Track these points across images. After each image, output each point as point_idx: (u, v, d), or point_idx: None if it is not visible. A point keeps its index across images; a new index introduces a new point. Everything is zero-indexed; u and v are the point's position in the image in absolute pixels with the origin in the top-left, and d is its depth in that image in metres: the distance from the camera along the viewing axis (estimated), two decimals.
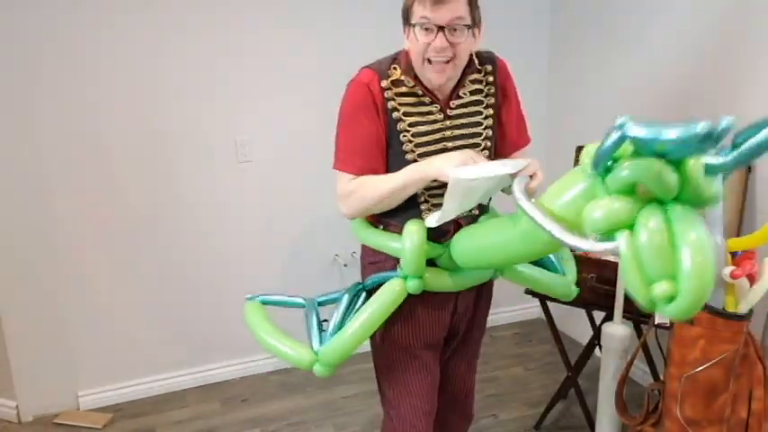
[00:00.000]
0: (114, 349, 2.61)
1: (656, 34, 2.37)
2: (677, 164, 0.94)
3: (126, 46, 2.36)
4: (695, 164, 0.93)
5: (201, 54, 2.46)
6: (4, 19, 2.18)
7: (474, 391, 1.78)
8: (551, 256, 1.65)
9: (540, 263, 1.64)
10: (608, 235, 0.99)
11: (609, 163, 0.99)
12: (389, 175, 1.38)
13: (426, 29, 1.29)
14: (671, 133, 0.84)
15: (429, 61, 1.32)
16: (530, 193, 1.20)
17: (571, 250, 1.68)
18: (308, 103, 2.63)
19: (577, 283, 1.66)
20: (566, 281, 1.62)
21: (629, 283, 0.94)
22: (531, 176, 1.26)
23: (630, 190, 0.98)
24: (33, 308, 2.44)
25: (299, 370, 2.81)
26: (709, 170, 0.95)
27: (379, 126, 1.38)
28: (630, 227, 0.96)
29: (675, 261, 0.90)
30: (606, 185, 1.01)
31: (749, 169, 2.03)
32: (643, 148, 0.94)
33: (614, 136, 0.92)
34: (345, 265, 2.86)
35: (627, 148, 0.97)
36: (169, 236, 2.59)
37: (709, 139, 0.83)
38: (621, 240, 0.95)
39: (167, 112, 2.47)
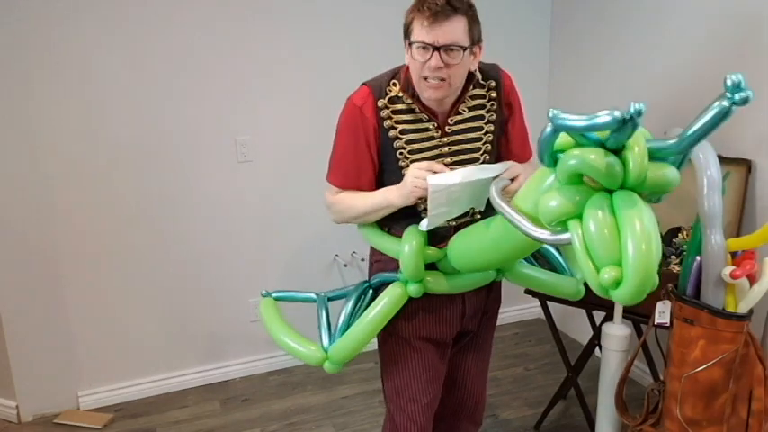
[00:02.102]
0: (114, 349, 2.61)
1: (659, 37, 2.37)
2: (620, 152, 0.97)
3: (126, 46, 2.36)
4: (639, 149, 0.96)
5: (202, 54, 2.46)
6: (4, 18, 2.18)
7: (485, 398, 1.78)
8: (558, 256, 1.65)
9: (548, 263, 1.64)
10: (562, 225, 1.03)
11: (558, 156, 1.04)
12: (366, 196, 1.45)
13: (423, 48, 1.29)
14: (597, 119, 0.89)
15: (426, 79, 1.33)
16: (509, 194, 1.23)
17: None
18: (307, 103, 2.63)
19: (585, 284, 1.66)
20: (572, 281, 1.63)
21: (582, 269, 0.98)
22: (512, 180, 1.28)
23: (578, 180, 1.02)
24: (33, 308, 2.44)
25: (299, 370, 2.84)
26: (656, 155, 0.99)
27: (366, 148, 1.42)
28: (580, 216, 0.99)
29: (622, 247, 0.93)
30: (557, 177, 1.05)
31: (749, 169, 2.03)
32: (582, 139, 0.98)
33: (548, 128, 0.98)
34: (345, 265, 2.86)
35: (569, 141, 1.01)
36: (169, 236, 2.58)
37: (627, 123, 0.88)
38: (572, 230, 1.00)
39: (167, 111, 2.47)
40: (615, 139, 0.94)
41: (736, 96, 0.85)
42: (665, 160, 1.01)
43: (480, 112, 1.44)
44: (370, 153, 1.43)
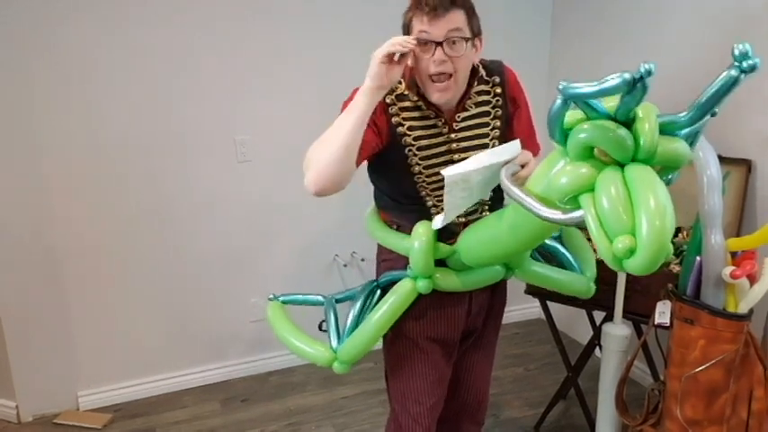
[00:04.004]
0: (114, 349, 2.61)
1: (659, 37, 2.37)
2: (630, 126, 0.98)
3: (125, 46, 2.36)
4: (649, 121, 0.96)
5: (202, 54, 2.46)
6: (4, 18, 2.18)
7: (488, 399, 1.78)
8: (568, 254, 1.65)
9: (557, 262, 1.64)
10: (574, 202, 1.03)
11: (568, 133, 1.04)
12: (333, 125, 1.30)
13: (425, 44, 1.29)
14: (606, 83, 0.89)
15: (432, 79, 1.33)
16: (519, 181, 1.22)
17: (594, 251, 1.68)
18: (307, 103, 2.63)
19: (596, 281, 1.66)
20: (583, 279, 1.62)
21: (595, 243, 0.98)
22: (522, 166, 1.28)
23: (590, 155, 1.02)
24: (33, 308, 2.44)
25: (299, 370, 2.84)
26: (667, 128, 0.99)
27: (371, 123, 1.32)
28: (592, 190, 0.99)
29: (635, 216, 0.93)
30: (568, 153, 1.05)
31: (749, 169, 2.03)
32: (592, 113, 0.99)
33: (557, 100, 0.98)
34: (345, 266, 2.86)
35: (580, 116, 1.01)
36: (168, 236, 2.58)
37: (637, 84, 0.88)
38: (584, 203, 0.99)
39: (167, 111, 2.47)
40: (625, 105, 0.94)
41: (744, 64, 0.87)
42: (670, 134, 1.01)
43: (486, 108, 1.44)
44: (375, 129, 1.34)
